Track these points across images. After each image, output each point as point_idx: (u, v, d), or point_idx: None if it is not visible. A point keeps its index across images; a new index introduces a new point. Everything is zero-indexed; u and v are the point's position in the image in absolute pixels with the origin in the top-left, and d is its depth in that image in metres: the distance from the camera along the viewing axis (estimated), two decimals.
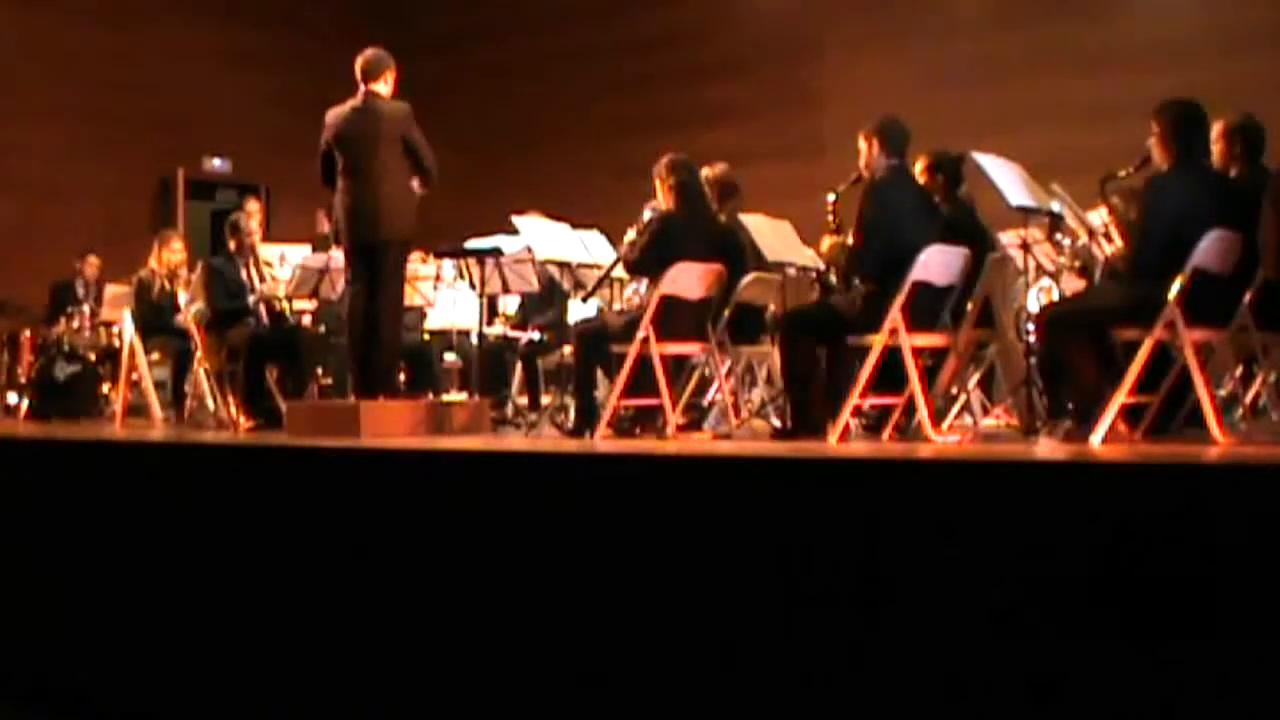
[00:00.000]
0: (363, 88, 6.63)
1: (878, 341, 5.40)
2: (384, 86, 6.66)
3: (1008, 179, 5.80)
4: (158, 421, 8.50)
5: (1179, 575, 3.47)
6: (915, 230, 5.57)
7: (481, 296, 7.59)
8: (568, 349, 6.89)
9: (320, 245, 8.51)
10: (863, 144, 5.82)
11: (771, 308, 6.75)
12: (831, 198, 6.10)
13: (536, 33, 13.68)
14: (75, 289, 10.45)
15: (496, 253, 7.53)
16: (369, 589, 4.94)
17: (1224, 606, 3.41)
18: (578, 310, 7.85)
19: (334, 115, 6.66)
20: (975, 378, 6.53)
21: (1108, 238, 5.64)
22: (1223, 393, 5.76)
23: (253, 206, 9.39)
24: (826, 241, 6.10)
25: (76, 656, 5.86)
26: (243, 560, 5.32)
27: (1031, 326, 5.67)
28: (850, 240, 5.81)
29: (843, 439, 5.48)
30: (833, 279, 6.55)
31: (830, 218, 6.08)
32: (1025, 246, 5.92)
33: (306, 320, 8.30)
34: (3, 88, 11.99)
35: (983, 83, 10.72)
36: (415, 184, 6.62)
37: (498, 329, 8.49)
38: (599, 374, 6.76)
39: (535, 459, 5.23)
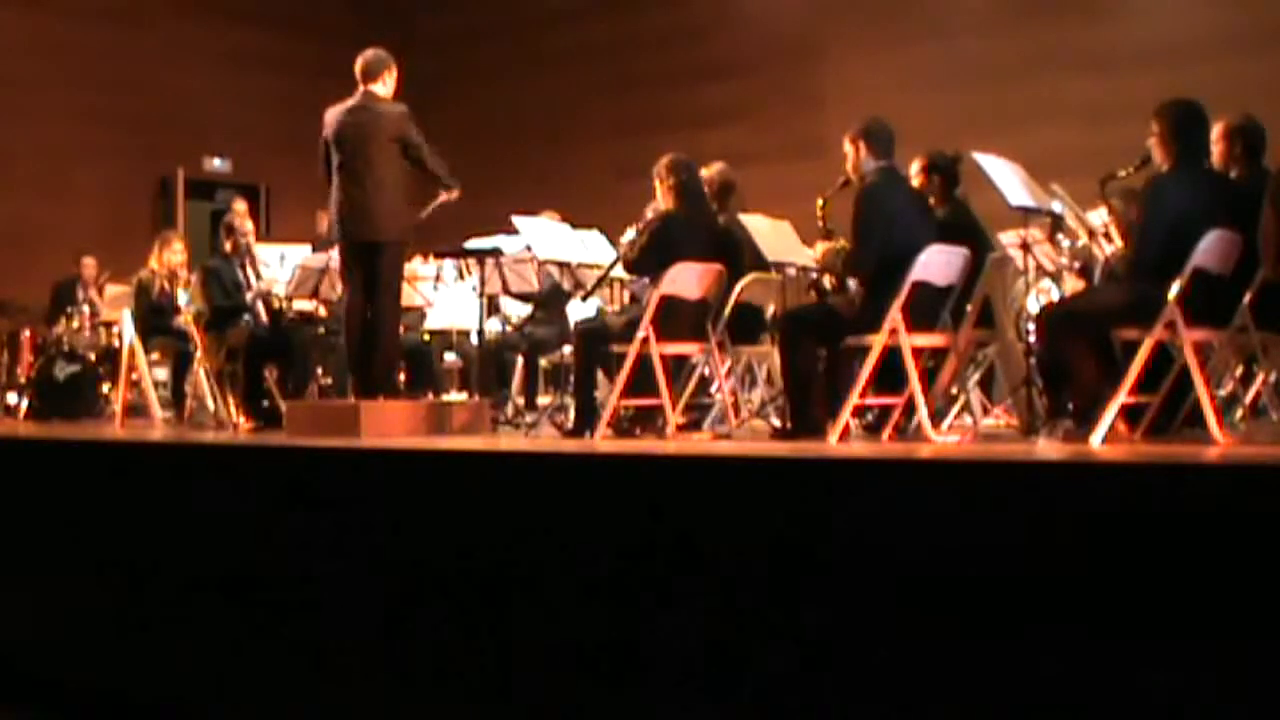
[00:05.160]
0: (361, 87, 6.64)
1: (878, 342, 5.40)
2: (382, 87, 6.65)
3: (1008, 179, 5.79)
4: (158, 421, 8.50)
5: (1179, 575, 3.47)
6: (909, 230, 5.57)
7: (482, 296, 7.59)
8: (568, 349, 6.88)
9: (320, 245, 8.50)
10: (849, 147, 5.80)
11: (771, 308, 6.74)
12: (820, 202, 6.10)
13: (536, 33, 13.68)
14: (76, 290, 10.44)
15: (496, 253, 7.53)
16: (368, 589, 4.94)
17: (1224, 607, 3.41)
18: (578, 310, 7.84)
19: (331, 113, 6.66)
20: (975, 378, 6.53)
21: (1108, 238, 5.64)
22: (1223, 393, 5.76)
23: (240, 206, 9.32)
24: (820, 247, 6.10)
25: (78, 657, 5.86)
26: (242, 560, 5.32)
27: (1032, 326, 5.66)
28: (845, 245, 5.81)
29: (843, 439, 5.48)
30: (827, 283, 6.55)
31: (820, 222, 6.07)
32: (1025, 246, 5.91)
33: (322, 317, 8.26)
34: (4, 87, 11.99)
35: (983, 83, 10.73)
36: (443, 194, 6.67)
37: (496, 324, 8.47)
38: (599, 374, 6.76)
39: (535, 459, 5.23)
